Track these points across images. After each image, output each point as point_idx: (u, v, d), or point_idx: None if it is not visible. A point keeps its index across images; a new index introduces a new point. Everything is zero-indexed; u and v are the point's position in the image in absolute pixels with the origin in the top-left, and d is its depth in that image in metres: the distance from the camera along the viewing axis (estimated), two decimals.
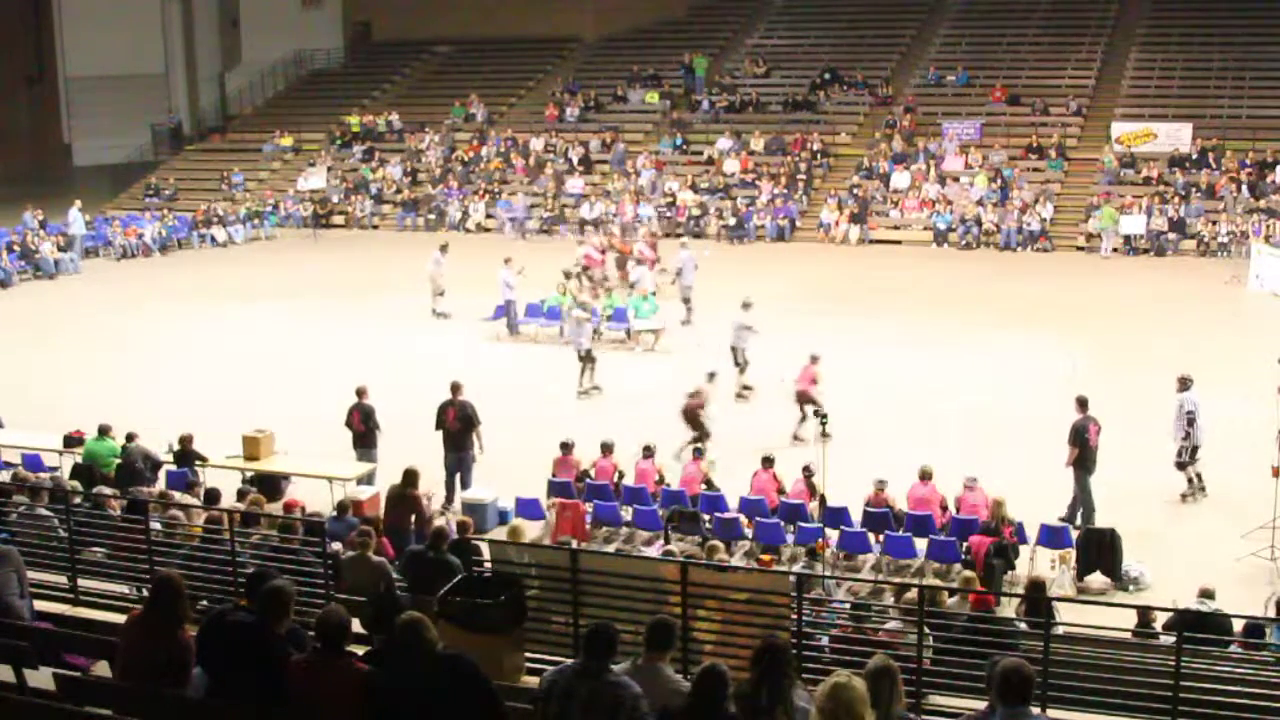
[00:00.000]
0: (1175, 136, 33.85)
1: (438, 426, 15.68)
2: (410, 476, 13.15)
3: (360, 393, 16.02)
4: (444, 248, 25.40)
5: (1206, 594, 10.70)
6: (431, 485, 14.44)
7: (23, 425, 17.03)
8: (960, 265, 30.44)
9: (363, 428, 15.82)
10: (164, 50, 47.70)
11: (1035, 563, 13.31)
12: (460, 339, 23.51)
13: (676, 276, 24.65)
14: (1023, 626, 9.57)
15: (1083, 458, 14.54)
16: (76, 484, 13.30)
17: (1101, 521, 13.95)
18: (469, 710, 5.88)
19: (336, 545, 10.97)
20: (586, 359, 19.92)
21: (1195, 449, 15.19)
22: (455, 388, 15.82)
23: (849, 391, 18.94)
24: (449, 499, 15.43)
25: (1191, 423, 15.11)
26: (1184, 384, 15.30)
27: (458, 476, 15.66)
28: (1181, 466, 15.25)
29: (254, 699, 6.18)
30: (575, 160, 37.94)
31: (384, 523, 12.33)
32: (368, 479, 15.18)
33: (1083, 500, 14.56)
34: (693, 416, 16.65)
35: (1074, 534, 13.59)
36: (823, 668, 7.78)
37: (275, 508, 13.31)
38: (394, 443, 15.78)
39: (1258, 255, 27.23)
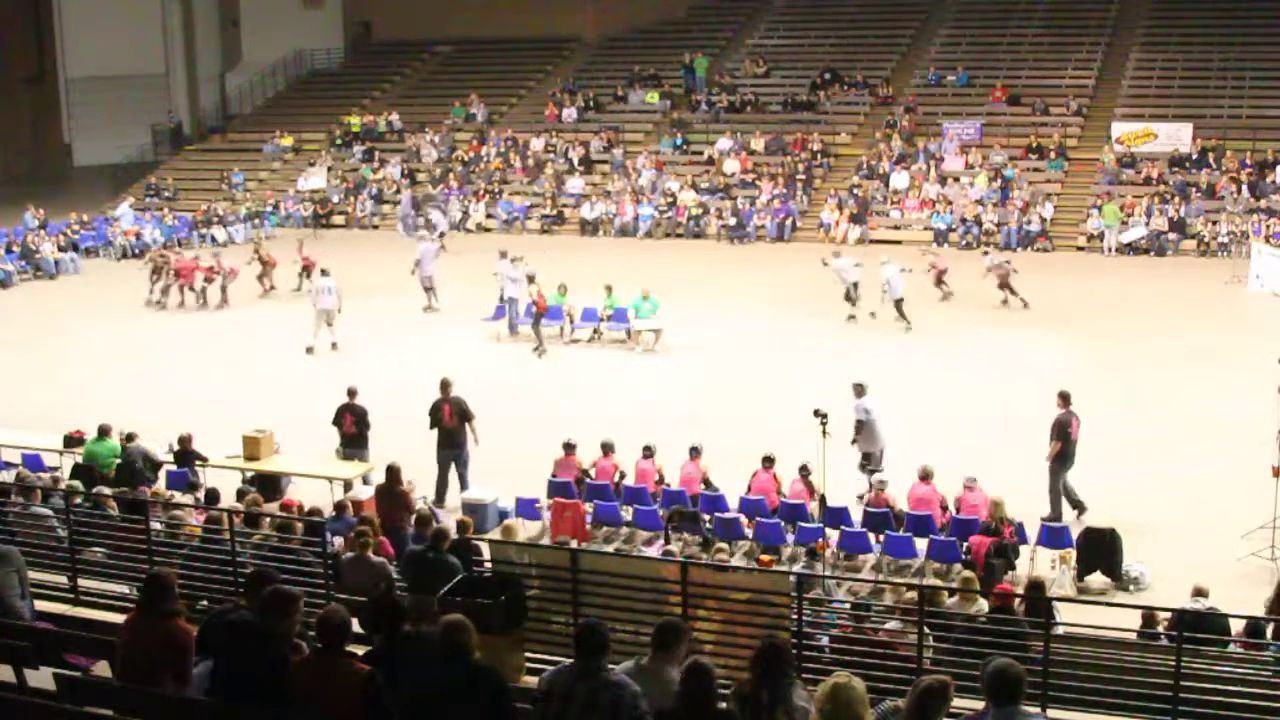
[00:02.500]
0: (1175, 136, 33.86)
1: (433, 425, 15.68)
2: (394, 473, 13.19)
3: (351, 393, 16.01)
4: (325, 272, 24.21)
5: (1200, 592, 10.69)
6: (418, 482, 14.44)
7: (23, 425, 17.01)
8: (960, 265, 30.41)
9: (354, 430, 15.82)
10: (164, 50, 47.70)
11: (1035, 563, 13.31)
12: (460, 339, 23.50)
13: (416, 266, 25.41)
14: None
15: (1062, 453, 14.62)
16: (77, 484, 13.30)
17: (1101, 521, 13.94)
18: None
19: (337, 542, 10.99)
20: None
21: (872, 454, 15.41)
22: (446, 385, 15.87)
23: (849, 391, 18.92)
24: (440, 497, 15.37)
25: (859, 429, 15.38)
26: (858, 390, 15.60)
27: (453, 473, 15.66)
28: (863, 469, 15.43)
29: (253, 699, 6.18)
30: (575, 160, 37.95)
31: (378, 521, 12.32)
32: (366, 479, 15.18)
33: (1052, 496, 14.66)
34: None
35: (1056, 525, 13.60)
36: (823, 668, 7.79)
37: (274, 508, 13.31)
38: (393, 443, 15.77)
39: (1258, 255, 27.22)
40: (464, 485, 15.61)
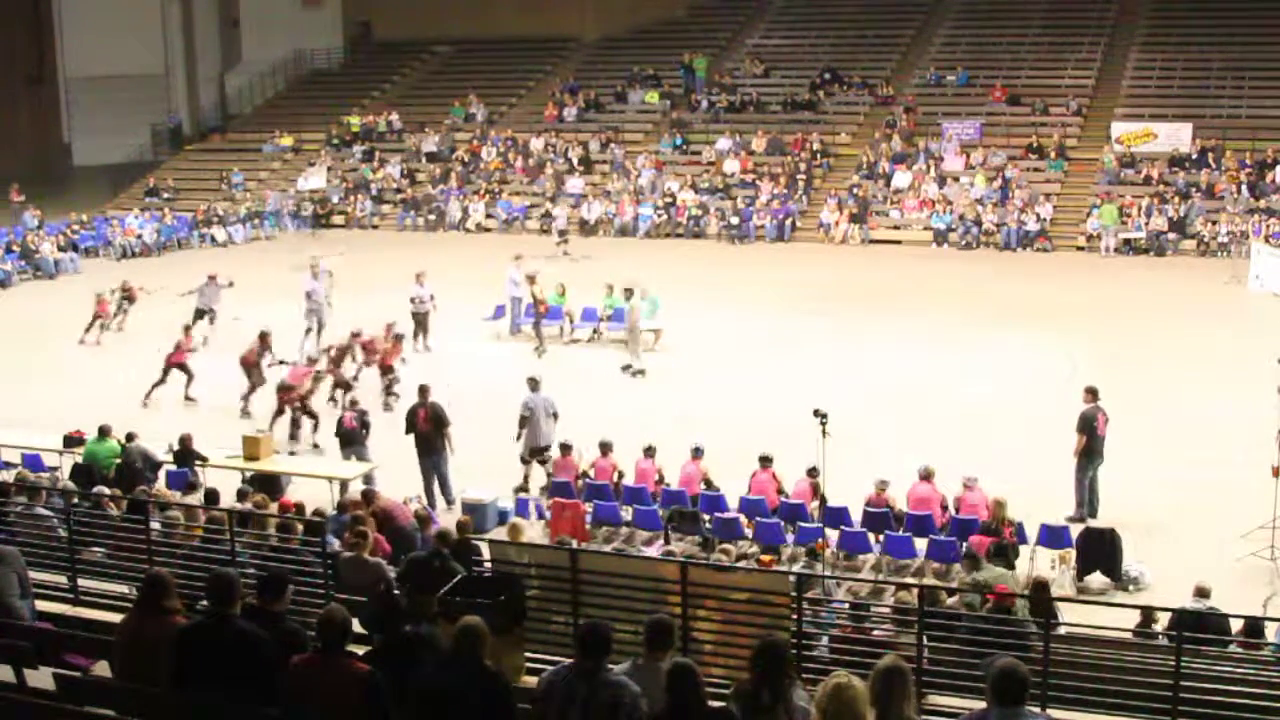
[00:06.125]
0: (1175, 136, 33.88)
1: (408, 430, 15.62)
2: (368, 495, 13.06)
3: (353, 402, 16.20)
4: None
5: (1202, 592, 10.68)
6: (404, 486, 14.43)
7: (23, 425, 17.00)
8: (960, 265, 30.44)
9: (354, 425, 15.86)
10: (164, 50, 47.73)
11: (1035, 563, 13.30)
12: (460, 339, 23.49)
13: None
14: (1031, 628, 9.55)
15: (1089, 448, 14.58)
16: (74, 484, 13.31)
17: (1101, 521, 13.94)
18: None
19: (335, 542, 10.97)
20: None
21: (535, 449, 15.67)
22: (423, 390, 15.82)
23: (849, 391, 18.94)
24: (431, 504, 15.30)
25: (523, 423, 15.66)
26: (531, 385, 15.98)
27: (435, 480, 15.59)
28: (525, 461, 15.76)
29: (231, 688, 6.14)
30: (575, 160, 37.95)
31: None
32: (368, 478, 15.17)
33: (1079, 491, 14.60)
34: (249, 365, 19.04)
35: (1074, 531, 13.59)
36: (822, 668, 7.78)
37: (272, 508, 13.29)
38: (388, 443, 15.78)
39: (1257, 255, 27.23)
40: (446, 491, 15.55)
